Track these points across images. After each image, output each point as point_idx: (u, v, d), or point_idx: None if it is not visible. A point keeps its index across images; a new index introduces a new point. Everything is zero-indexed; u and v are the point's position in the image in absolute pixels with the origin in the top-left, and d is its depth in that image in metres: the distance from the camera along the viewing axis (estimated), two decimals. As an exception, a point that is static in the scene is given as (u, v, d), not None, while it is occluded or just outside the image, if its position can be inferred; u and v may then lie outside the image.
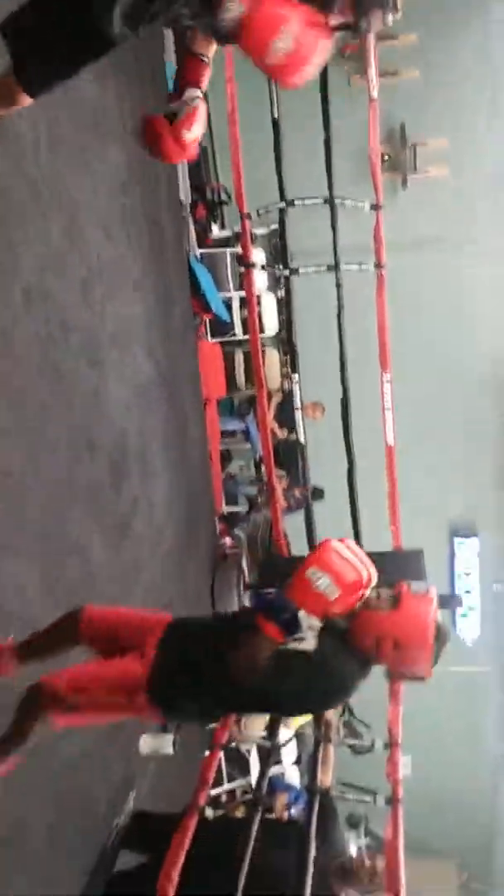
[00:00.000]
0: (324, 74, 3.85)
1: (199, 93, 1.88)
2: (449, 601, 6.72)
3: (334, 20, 1.68)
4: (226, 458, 7.20)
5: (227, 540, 6.07)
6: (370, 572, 1.87)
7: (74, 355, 3.21)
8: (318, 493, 5.89)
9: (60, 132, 3.14)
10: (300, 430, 4.84)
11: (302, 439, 4.76)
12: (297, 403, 4.85)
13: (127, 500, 3.79)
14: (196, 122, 1.87)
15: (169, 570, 4.50)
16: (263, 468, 6.11)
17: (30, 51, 1.75)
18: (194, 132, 1.88)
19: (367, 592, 1.89)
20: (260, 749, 4.51)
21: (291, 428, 5.78)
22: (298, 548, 4.88)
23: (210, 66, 1.88)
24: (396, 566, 4.28)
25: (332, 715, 3.30)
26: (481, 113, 6.63)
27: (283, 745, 4.00)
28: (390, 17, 1.68)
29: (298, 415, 4.75)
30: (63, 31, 1.71)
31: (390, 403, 4.21)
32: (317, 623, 1.86)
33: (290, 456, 5.94)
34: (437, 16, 6.29)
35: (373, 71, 3.80)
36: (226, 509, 6.70)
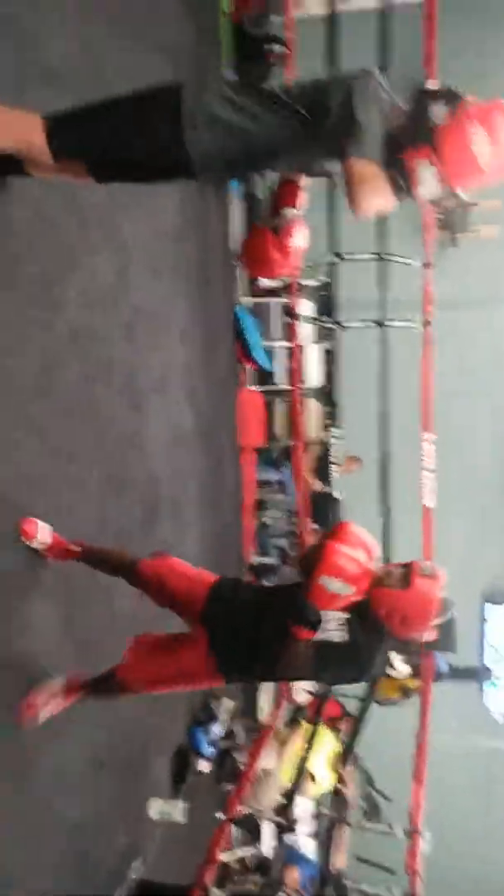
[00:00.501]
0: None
1: (296, 211, 2.07)
2: (477, 673, 6.42)
3: None
4: (260, 507, 7.09)
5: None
6: (371, 553, 2.13)
7: (115, 396, 3.19)
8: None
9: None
10: (335, 484, 4.72)
11: (337, 494, 4.64)
12: (335, 457, 4.76)
13: (156, 545, 3.71)
14: (298, 233, 2.06)
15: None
16: (297, 520, 6.00)
17: (109, 165, 1.89)
18: (297, 241, 2.06)
19: (375, 566, 2.16)
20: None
21: (328, 481, 5.67)
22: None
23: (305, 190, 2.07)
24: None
25: (350, 795, 3.15)
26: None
27: (295, 822, 3.77)
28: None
29: (334, 469, 4.64)
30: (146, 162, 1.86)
31: (431, 464, 4.08)
32: (341, 615, 2.13)
33: (324, 509, 5.81)
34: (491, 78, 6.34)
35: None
36: (256, 559, 6.55)
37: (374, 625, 2.18)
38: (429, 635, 2.21)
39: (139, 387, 3.50)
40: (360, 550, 2.10)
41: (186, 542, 4.29)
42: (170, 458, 3.94)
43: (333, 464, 4.62)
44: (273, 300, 6.48)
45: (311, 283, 6.66)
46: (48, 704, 2.38)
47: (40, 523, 2.41)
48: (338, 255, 4.32)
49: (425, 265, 4.20)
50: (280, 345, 6.43)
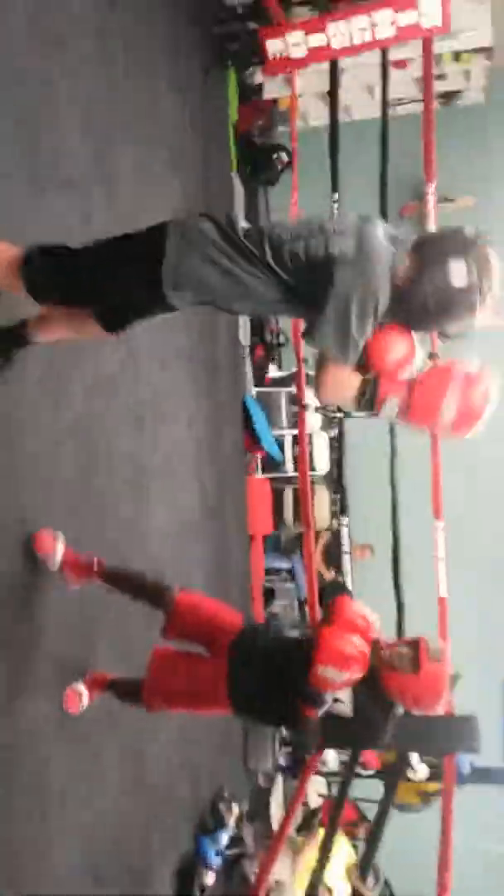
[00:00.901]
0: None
1: None
2: (500, 776, 6.07)
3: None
4: (269, 596, 6.96)
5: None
6: (369, 628, 2.24)
7: (119, 483, 3.18)
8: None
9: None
10: (346, 572, 4.64)
11: (348, 582, 4.55)
12: (345, 545, 4.70)
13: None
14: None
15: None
16: (307, 609, 5.86)
17: (110, 311, 1.90)
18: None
19: (381, 638, 2.29)
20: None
21: (338, 569, 5.57)
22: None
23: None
24: (447, 733, 3.89)
25: (367, 893, 3.13)
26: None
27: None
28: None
29: (346, 557, 4.56)
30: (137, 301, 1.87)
31: (443, 552, 4.01)
32: (344, 694, 2.33)
33: (335, 598, 5.68)
34: (495, 180, 6.65)
35: (432, 228, 3.95)
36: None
37: (383, 695, 2.30)
38: (441, 708, 2.33)
39: (143, 472, 3.51)
40: (356, 634, 2.19)
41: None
42: (174, 546, 3.89)
43: (345, 552, 4.55)
44: (281, 389, 6.59)
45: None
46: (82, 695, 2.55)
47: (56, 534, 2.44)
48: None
49: (431, 356, 4.27)
50: (288, 433, 6.49)
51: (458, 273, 1.63)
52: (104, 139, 3.19)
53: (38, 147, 2.58)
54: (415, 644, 2.25)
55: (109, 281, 1.83)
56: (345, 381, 1.72)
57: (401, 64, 5.95)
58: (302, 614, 6.76)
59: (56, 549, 2.40)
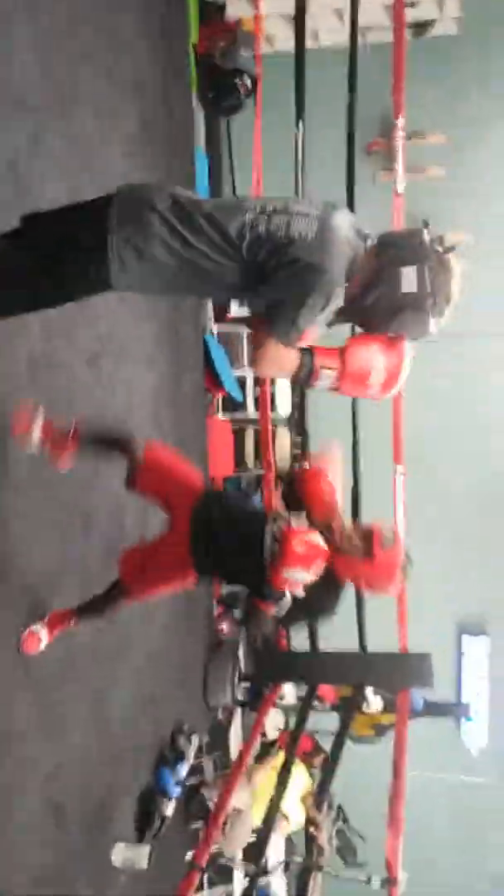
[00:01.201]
0: (350, 167, 3.88)
1: None
2: (455, 709, 6.35)
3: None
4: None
5: (225, 625, 5.80)
6: (322, 545, 2.25)
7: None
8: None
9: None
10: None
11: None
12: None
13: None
14: None
15: (159, 650, 4.25)
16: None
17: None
18: None
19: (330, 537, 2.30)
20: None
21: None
22: (299, 641, 4.62)
23: None
24: (403, 670, 4.02)
25: (323, 841, 3.10)
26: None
27: (268, 864, 3.65)
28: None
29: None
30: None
31: (402, 497, 4.04)
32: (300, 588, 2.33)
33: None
34: (465, 114, 6.48)
35: (400, 167, 3.82)
36: (225, 589, 6.45)
37: (335, 577, 2.35)
38: (394, 591, 2.42)
39: (104, 413, 3.43)
40: (313, 544, 2.23)
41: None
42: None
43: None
44: (243, 328, 6.47)
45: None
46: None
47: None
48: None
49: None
50: (249, 373, 6.41)
51: (407, 279, 1.67)
52: (59, 60, 2.98)
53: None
54: (368, 533, 2.30)
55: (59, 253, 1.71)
56: (282, 358, 1.74)
57: (371, -15, 5.67)
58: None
59: (34, 424, 2.44)
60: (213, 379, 5.85)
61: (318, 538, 2.25)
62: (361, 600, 4.15)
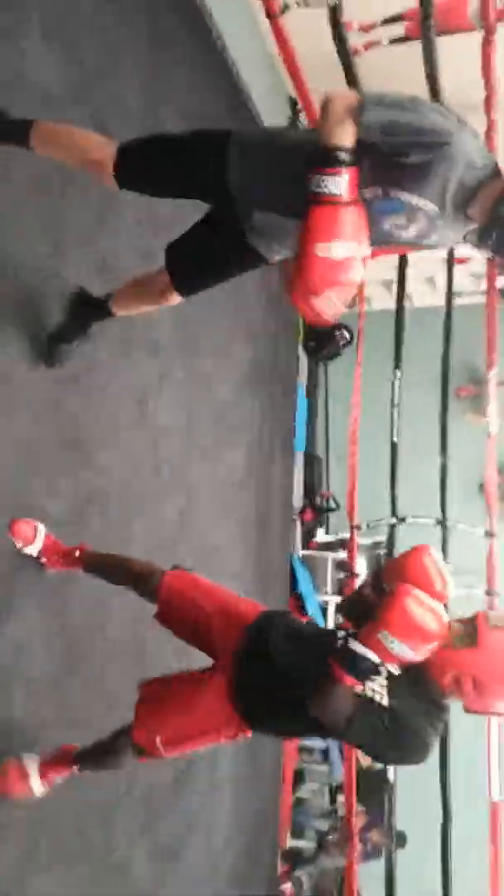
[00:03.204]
0: (444, 405, 4.15)
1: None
2: None
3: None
4: (298, 779, 6.43)
5: (287, 887, 5.12)
6: (442, 623, 1.64)
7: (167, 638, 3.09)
8: (401, 840, 5.04)
9: (197, 423, 3.42)
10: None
11: (391, 775, 4.19)
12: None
13: (187, 815, 3.33)
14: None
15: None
16: (341, 799, 5.36)
17: (188, 269, 1.98)
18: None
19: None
20: None
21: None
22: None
23: None
24: None
25: None
26: None
27: None
28: None
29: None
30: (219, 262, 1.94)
31: (497, 745, 3.69)
32: (394, 669, 1.72)
33: (373, 788, 5.21)
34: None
35: (492, 410, 4.05)
36: (290, 843, 5.79)
37: (430, 695, 1.73)
38: None
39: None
40: (431, 616, 1.62)
41: (219, 814, 3.85)
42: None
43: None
44: (327, 554, 6.51)
45: (366, 541, 6.72)
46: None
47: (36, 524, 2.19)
48: (399, 517, 4.39)
49: (488, 534, 4.21)
50: (332, 598, 6.32)
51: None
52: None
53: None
54: (472, 618, 1.74)
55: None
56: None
57: (461, 260, 6.41)
58: (333, 805, 6.20)
59: (36, 537, 2.18)
60: (298, 601, 5.79)
61: (441, 608, 1.67)
62: (448, 856, 3.60)
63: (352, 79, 3.47)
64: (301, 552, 6.24)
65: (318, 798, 6.62)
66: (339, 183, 1.40)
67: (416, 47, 3.48)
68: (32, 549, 2.18)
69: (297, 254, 1.47)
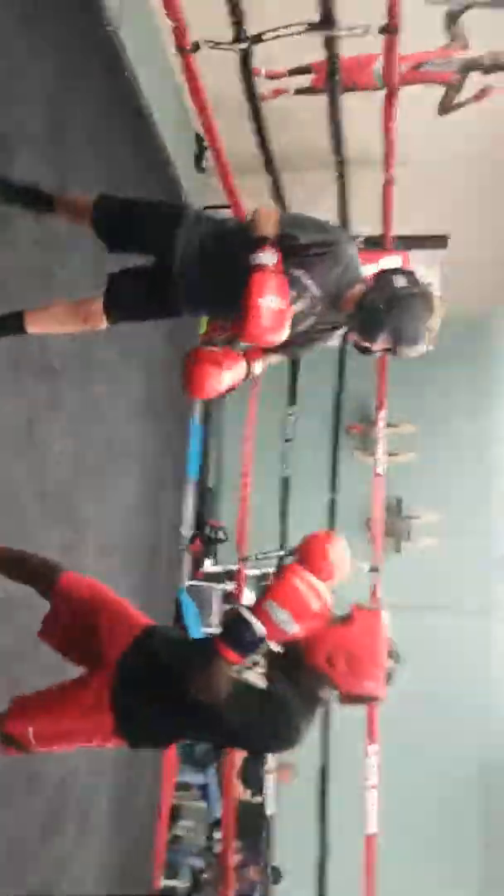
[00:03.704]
0: (335, 445, 4.26)
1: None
2: None
3: (377, 347, 2.03)
4: (174, 815, 6.27)
5: None
6: (325, 601, 1.79)
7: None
8: (276, 876, 5.02)
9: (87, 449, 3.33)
10: (269, 795, 4.29)
11: (269, 809, 4.18)
12: (267, 763, 4.38)
13: (51, 860, 3.18)
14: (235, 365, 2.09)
15: None
16: (217, 835, 5.29)
17: (122, 306, 2.23)
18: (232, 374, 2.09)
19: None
20: None
21: (257, 791, 5.14)
22: None
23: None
24: None
25: None
26: (474, 488, 7.15)
27: None
28: (423, 348, 2.00)
29: (269, 777, 4.24)
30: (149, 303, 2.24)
31: (374, 781, 3.76)
32: (273, 647, 1.84)
33: (250, 825, 5.18)
34: (436, 408, 7.19)
35: (381, 451, 4.20)
36: (164, 883, 5.62)
37: (306, 679, 1.81)
38: (381, 691, 1.82)
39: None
40: (314, 594, 1.76)
41: (88, 858, 3.69)
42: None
43: (267, 772, 4.23)
44: (214, 585, 6.48)
45: (255, 572, 6.76)
46: None
47: None
48: (289, 553, 4.45)
49: (373, 569, 4.33)
50: (217, 629, 6.28)
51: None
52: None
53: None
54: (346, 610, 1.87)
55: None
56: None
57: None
58: (209, 842, 6.09)
59: None
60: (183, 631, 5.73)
61: (325, 589, 1.80)
62: None
63: (259, 123, 3.56)
64: (188, 582, 6.19)
65: (195, 835, 6.49)
66: (270, 258, 1.89)
67: (322, 99, 3.62)
68: None
69: (242, 308, 1.87)
